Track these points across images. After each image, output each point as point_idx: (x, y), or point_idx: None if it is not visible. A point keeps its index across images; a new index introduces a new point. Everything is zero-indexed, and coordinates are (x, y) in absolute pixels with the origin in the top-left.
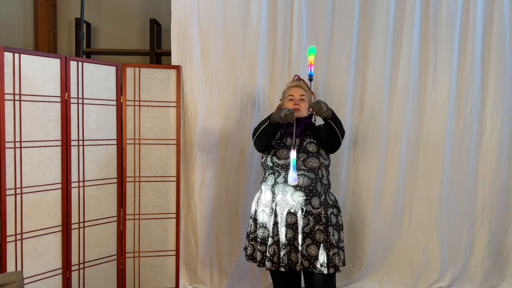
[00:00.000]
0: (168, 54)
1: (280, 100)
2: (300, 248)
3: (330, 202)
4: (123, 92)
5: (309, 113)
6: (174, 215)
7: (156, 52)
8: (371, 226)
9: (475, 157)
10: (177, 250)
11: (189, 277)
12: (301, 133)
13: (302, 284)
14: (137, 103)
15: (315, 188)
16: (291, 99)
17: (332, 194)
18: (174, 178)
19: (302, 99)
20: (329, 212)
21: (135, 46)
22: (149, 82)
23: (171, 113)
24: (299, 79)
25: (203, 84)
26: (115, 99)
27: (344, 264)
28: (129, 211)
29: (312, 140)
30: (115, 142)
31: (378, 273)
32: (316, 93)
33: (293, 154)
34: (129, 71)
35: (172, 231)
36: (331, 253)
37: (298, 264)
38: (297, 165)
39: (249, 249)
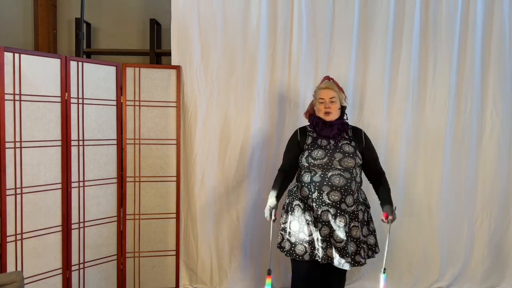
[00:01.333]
0: (168, 54)
1: (313, 95)
2: (337, 245)
3: (361, 199)
4: (123, 92)
5: (341, 111)
6: (174, 215)
7: (156, 52)
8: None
9: (475, 157)
10: (177, 250)
11: (189, 277)
12: (335, 136)
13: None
14: (137, 103)
15: (350, 187)
16: (321, 102)
17: (363, 191)
18: (174, 178)
19: (333, 101)
20: (358, 209)
21: (135, 46)
22: (149, 82)
23: (171, 113)
24: (329, 79)
25: (203, 84)
26: (115, 99)
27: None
28: (129, 211)
29: (347, 142)
30: (115, 142)
31: (378, 273)
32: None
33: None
34: (129, 71)
35: (172, 231)
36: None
37: (337, 259)
38: (333, 164)
39: (279, 238)
